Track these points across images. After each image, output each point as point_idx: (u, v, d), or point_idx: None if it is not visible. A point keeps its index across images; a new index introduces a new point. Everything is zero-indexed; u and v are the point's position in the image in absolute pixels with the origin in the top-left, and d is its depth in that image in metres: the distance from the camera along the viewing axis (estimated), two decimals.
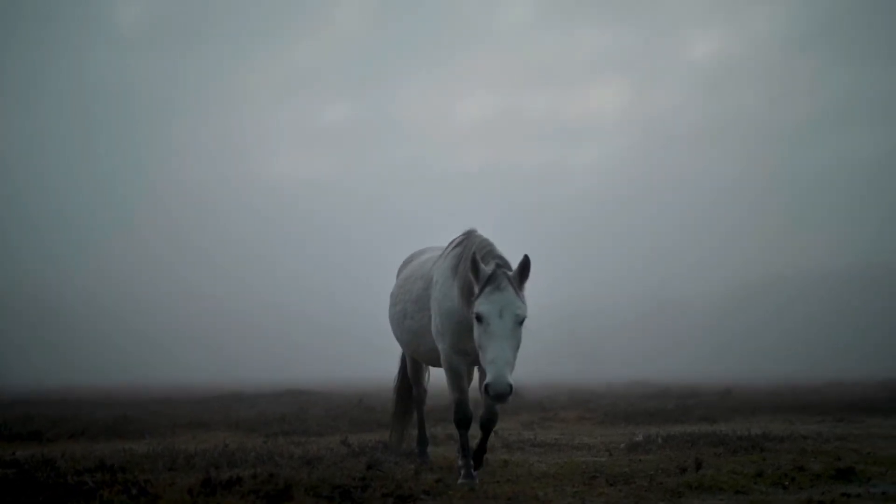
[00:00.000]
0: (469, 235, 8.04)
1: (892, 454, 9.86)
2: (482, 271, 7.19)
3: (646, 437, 11.58)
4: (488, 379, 6.73)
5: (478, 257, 7.28)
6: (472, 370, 8.77)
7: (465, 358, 7.94)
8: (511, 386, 6.67)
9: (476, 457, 8.34)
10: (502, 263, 7.34)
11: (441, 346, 7.99)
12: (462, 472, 7.94)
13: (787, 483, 7.90)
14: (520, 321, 7.02)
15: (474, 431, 8.36)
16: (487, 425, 8.28)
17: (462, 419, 8.02)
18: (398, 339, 9.23)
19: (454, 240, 8.21)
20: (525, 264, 7.21)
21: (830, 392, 29.23)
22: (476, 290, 7.18)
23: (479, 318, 7.00)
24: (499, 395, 6.65)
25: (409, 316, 8.60)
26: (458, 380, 8.02)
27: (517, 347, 7.00)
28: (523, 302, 7.12)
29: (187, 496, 6.96)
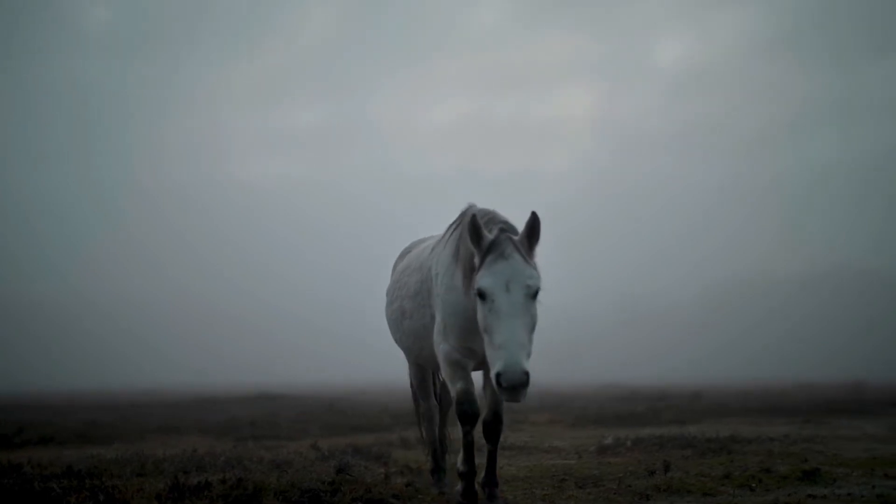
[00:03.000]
0: (467, 211, 6.72)
1: (858, 455, 10.01)
2: (484, 238, 5.91)
3: (615, 440, 11.66)
4: (499, 367, 5.34)
5: (480, 222, 5.98)
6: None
7: (470, 357, 6.57)
8: (528, 374, 5.33)
9: (488, 478, 6.76)
10: (507, 228, 6.08)
11: (442, 347, 6.61)
12: (461, 488, 6.72)
13: (754, 485, 7.99)
14: (532, 294, 5.69)
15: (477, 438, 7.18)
16: (493, 430, 6.69)
17: (467, 412, 6.52)
18: (397, 343, 7.80)
19: (453, 222, 6.93)
20: (533, 224, 5.90)
21: (799, 394, 29.61)
22: (477, 262, 5.93)
23: (482, 295, 5.70)
24: (514, 386, 5.28)
25: (407, 315, 7.23)
26: (459, 370, 6.61)
27: (532, 327, 5.63)
28: (535, 270, 5.82)
29: (155, 502, 6.90)
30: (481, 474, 6.83)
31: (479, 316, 5.75)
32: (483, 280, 5.73)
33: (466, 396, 6.52)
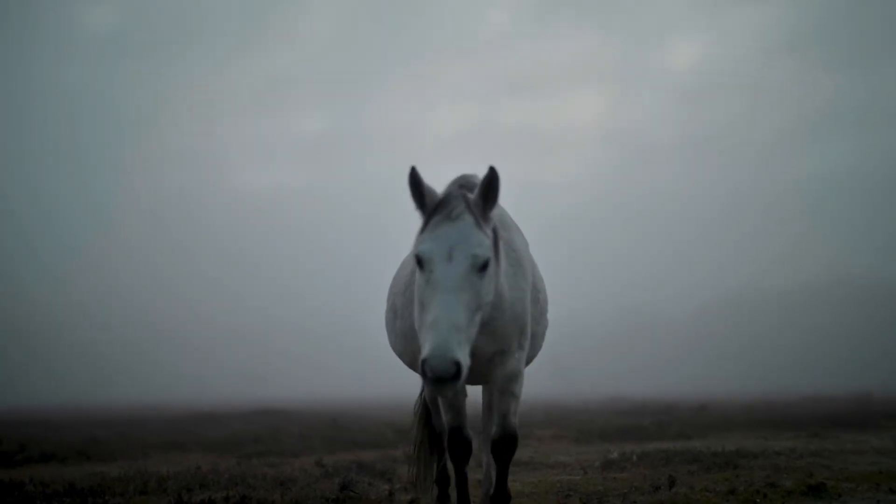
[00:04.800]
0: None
1: (864, 470, 9.94)
2: (428, 195, 4.94)
3: (621, 455, 11.61)
4: (425, 351, 4.43)
5: (420, 176, 4.94)
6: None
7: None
8: (458, 364, 4.36)
9: (497, 493, 5.86)
10: (465, 184, 5.19)
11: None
12: None
13: (759, 500, 7.93)
14: (480, 265, 4.71)
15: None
16: (499, 450, 5.69)
17: (457, 449, 5.75)
18: (392, 348, 6.69)
19: None
20: (490, 181, 4.87)
21: (804, 407, 29.46)
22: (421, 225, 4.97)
23: (420, 263, 4.77)
24: (438, 377, 4.35)
25: (399, 314, 6.14)
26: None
27: (477, 306, 4.69)
28: (487, 237, 4.85)
29: None
30: (490, 490, 6.18)
31: (417, 290, 4.89)
32: (422, 245, 4.78)
33: (455, 432, 5.76)
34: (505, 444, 5.67)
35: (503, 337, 5.47)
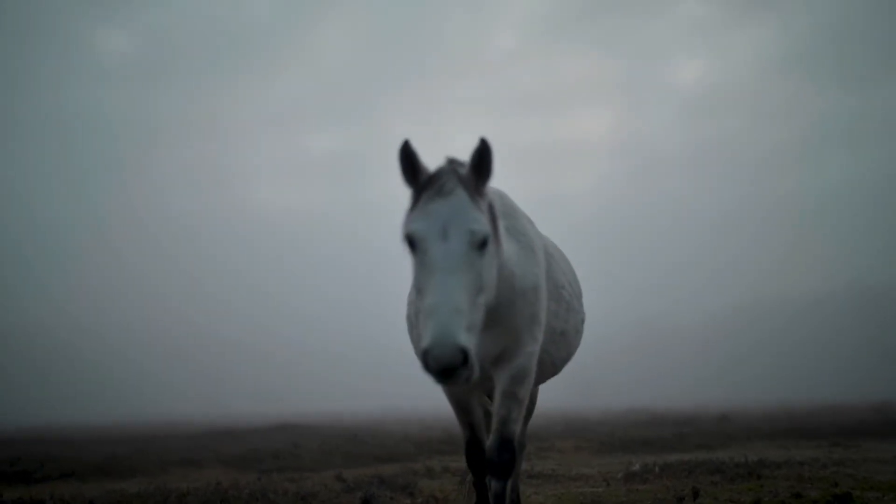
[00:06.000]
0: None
1: (889, 479, 9.81)
2: (421, 171, 4.45)
3: (643, 466, 11.50)
4: (426, 341, 3.92)
5: (414, 150, 4.48)
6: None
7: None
8: (465, 352, 3.87)
9: None
10: (454, 159, 4.62)
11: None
12: None
13: None
14: (478, 242, 4.25)
15: None
16: (493, 461, 5.10)
17: (473, 459, 5.60)
18: (416, 353, 5.52)
19: None
20: (482, 153, 4.41)
21: (826, 416, 29.18)
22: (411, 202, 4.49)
23: (412, 244, 4.28)
24: (443, 368, 3.86)
25: (414, 324, 5.55)
26: (459, 413, 5.50)
27: (479, 289, 4.21)
28: (483, 213, 4.38)
29: None
30: None
31: (413, 275, 4.35)
32: (413, 223, 4.29)
33: (472, 444, 5.55)
34: (499, 454, 5.02)
35: (513, 328, 5.02)
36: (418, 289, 4.23)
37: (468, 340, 3.93)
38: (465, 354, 3.86)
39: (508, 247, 4.91)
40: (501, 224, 4.83)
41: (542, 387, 6.67)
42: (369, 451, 16.21)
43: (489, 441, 5.16)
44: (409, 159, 4.42)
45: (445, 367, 3.84)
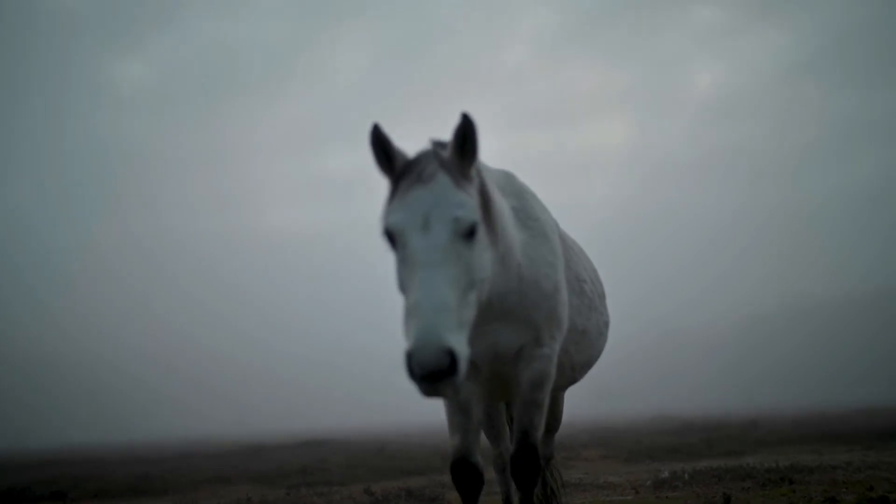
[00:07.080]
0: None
1: None
2: (396, 157, 3.95)
3: (672, 474, 11.42)
4: (409, 344, 3.44)
5: (386, 134, 3.96)
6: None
7: (471, 376, 4.42)
8: (453, 354, 3.38)
9: None
10: (439, 140, 4.11)
11: None
12: None
13: None
14: (465, 231, 3.73)
15: None
16: (518, 469, 4.70)
17: (462, 476, 4.68)
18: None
19: None
20: (464, 130, 3.89)
21: (858, 420, 28.86)
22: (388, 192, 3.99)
23: (392, 239, 3.81)
24: (428, 373, 3.36)
25: None
26: (455, 413, 4.73)
27: (468, 283, 3.71)
28: (470, 196, 3.84)
29: None
30: None
31: (396, 272, 3.83)
32: (391, 216, 3.80)
33: (461, 457, 4.67)
34: (525, 462, 4.61)
35: (528, 324, 4.56)
36: (401, 288, 3.77)
37: (457, 341, 3.43)
38: (451, 357, 3.37)
39: (515, 232, 4.48)
40: (507, 206, 4.45)
41: (565, 394, 6.39)
42: (397, 464, 16.23)
43: (512, 449, 4.77)
44: (381, 145, 3.94)
45: (431, 371, 3.35)
